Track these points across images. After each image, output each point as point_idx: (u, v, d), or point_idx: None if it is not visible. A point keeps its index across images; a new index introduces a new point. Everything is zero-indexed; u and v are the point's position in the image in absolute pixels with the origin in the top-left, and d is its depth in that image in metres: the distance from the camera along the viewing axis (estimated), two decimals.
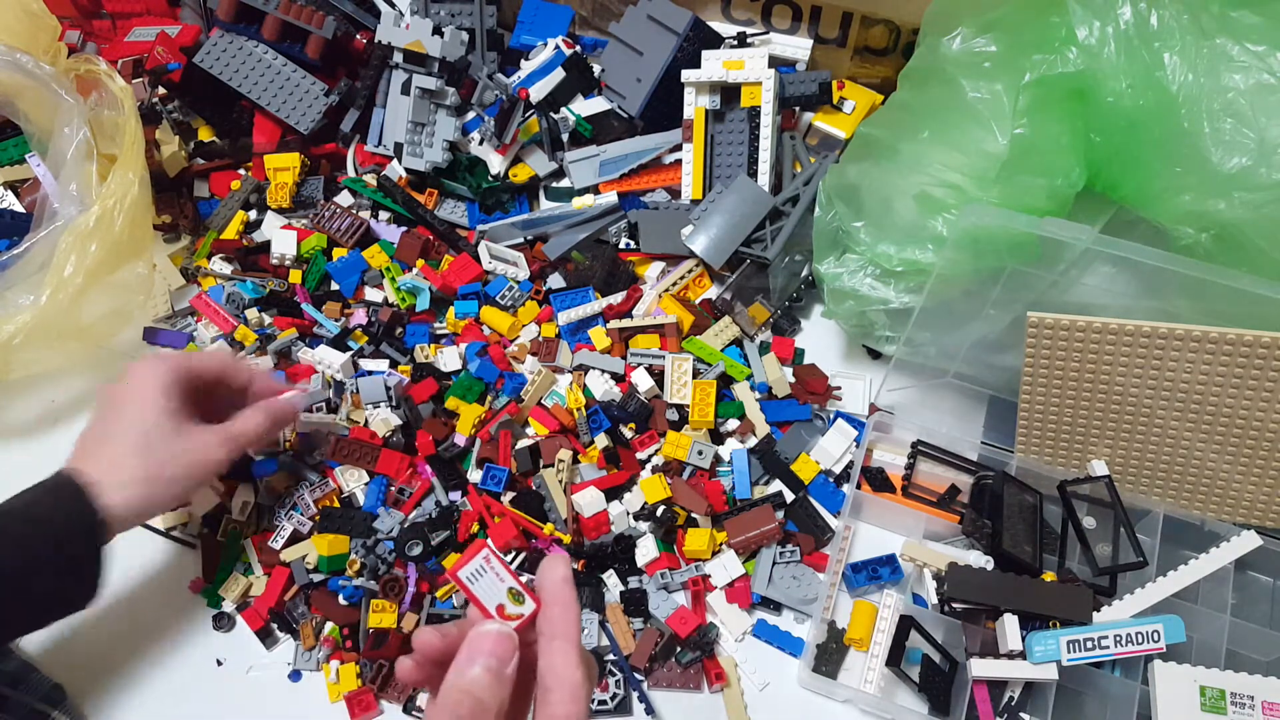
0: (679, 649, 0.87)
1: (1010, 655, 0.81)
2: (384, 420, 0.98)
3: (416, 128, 1.19)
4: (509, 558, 0.92)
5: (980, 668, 0.81)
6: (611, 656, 0.88)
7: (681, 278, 1.12)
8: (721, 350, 1.04)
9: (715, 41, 1.18)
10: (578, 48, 1.22)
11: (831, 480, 0.98)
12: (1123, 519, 0.88)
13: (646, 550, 0.92)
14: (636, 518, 0.95)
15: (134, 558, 0.96)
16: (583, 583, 0.91)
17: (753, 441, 0.99)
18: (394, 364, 1.05)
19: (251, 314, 1.09)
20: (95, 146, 1.01)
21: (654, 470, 0.97)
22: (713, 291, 1.14)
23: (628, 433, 0.99)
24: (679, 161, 1.19)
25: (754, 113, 1.13)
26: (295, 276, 1.13)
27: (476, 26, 1.25)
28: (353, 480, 0.97)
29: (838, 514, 0.95)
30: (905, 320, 0.94)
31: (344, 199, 1.19)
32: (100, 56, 1.10)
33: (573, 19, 1.28)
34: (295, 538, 0.93)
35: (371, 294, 1.13)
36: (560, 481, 0.94)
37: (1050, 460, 0.95)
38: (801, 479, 0.96)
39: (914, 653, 0.86)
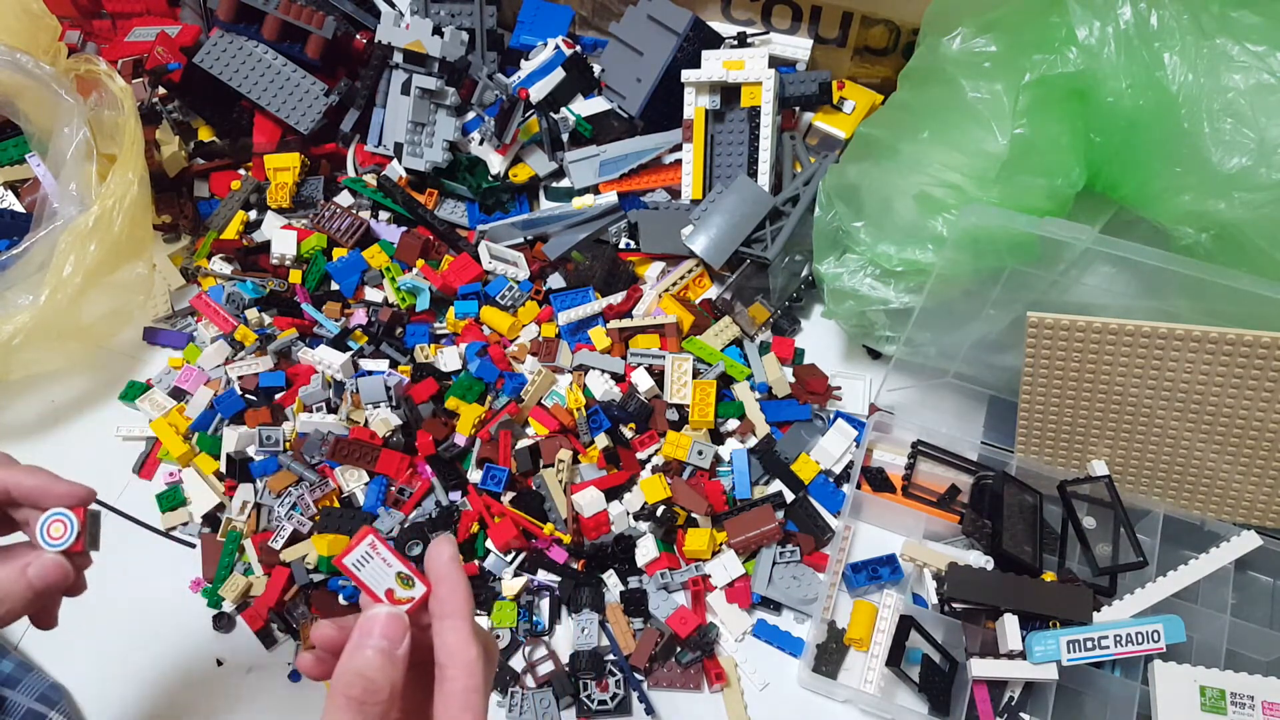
0: (679, 649, 0.87)
1: (1010, 655, 0.81)
2: (384, 420, 0.98)
3: (416, 128, 1.19)
4: (509, 557, 0.92)
5: (980, 668, 0.81)
6: (611, 656, 0.88)
7: (681, 278, 1.12)
8: (721, 350, 1.04)
9: (715, 41, 1.18)
10: (578, 48, 1.22)
11: (831, 480, 0.98)
12: (1123, 519, 0.88)
13: (646, 550, 0.92)
14: (636, 518, 0.95)
15: (134, 558, 0.96)
16: (583, 583, 0.91)
17: (753, 441, 0.99)
18: (394, 364, 1.05)
19: (251, 314, 1.09)
20: (95, 146, 1.01)
21: (654, 470, 0.97)
22: (713, 291, 1.14)
23: (628, 433, 0.99)
24: (679, 161, 1.19)
25: (754, 113, 1.13)
26: (295, 276, 1.13)
27: (476, 26, 1.26)
28: (353, 480, 0.97)
29: (838, 514, 0.95)
30: (905, 320, 0.94)
31: (344, 199, 1.19)
32: (100, 56, 1.10)
33: (573, 19, 1.28)
34: (295, 538, 0.93)
35: (371, 294, 1.13)
36: (560, 481, 0.94)
37: (1050, 460, 0.95)
38: (801, 479, 0.96)
39: (914, 653, 0.86)
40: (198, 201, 1.21)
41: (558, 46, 1.20)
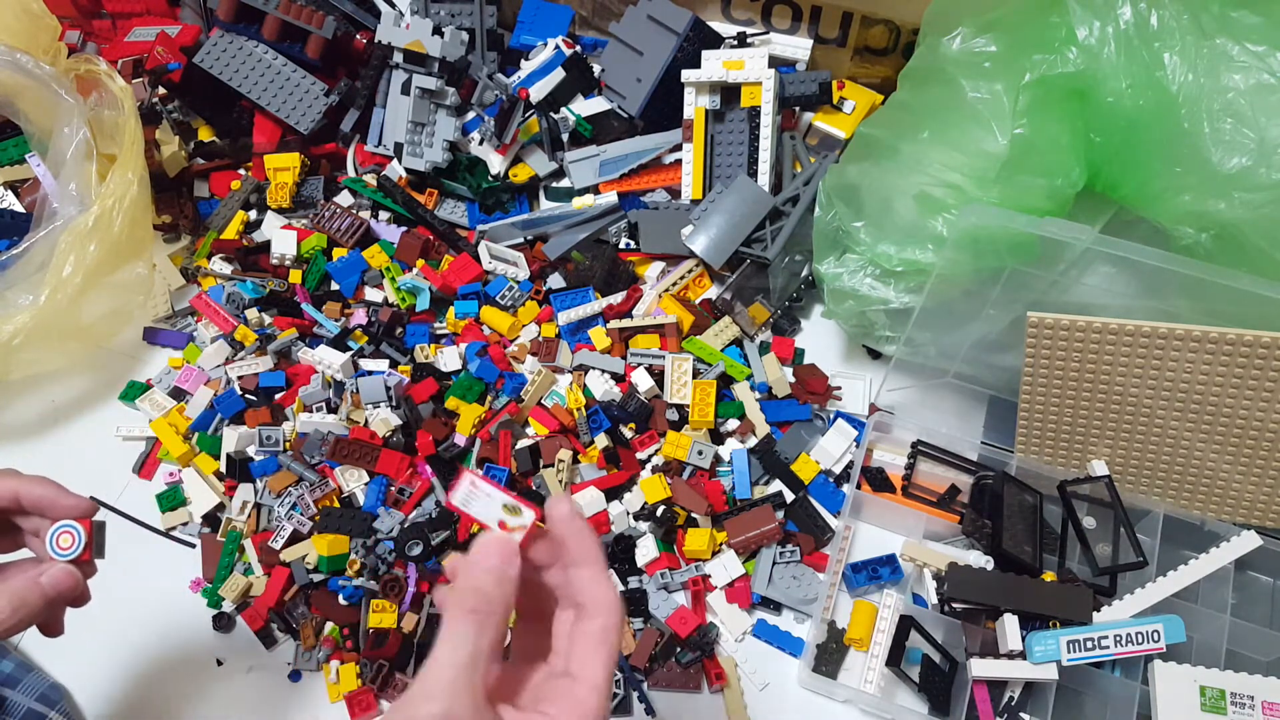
0: (679, 649, 0.87)
1: (1010, 655, 0.81)
2: (384, 420, 0.98)
3: (416, 128, 1.19)
4: None
5: (980, 668, 0.81)
6: None
7: (681, 278, 1.12)
8: (721, 350, 1.04)
9: (715, 41, 1.18)
10: (578, 48, 1.22)
11: (831, 480, 0.98)
12: (1123, 519, 0.88)
13: (646, 550, 0.92)
14: (636, 518, 0.95)
15: (134, 558, 0.96)
16: None
17: (753, 441, 0.99)
18: (394, 364, 1.05)
19: (251, 314, 1.09)
20: (95, 146, 1.01)
21: (654, 470, 0.97)
22: (713, 291, 1.14)
23: (628, 433, 0.99)
24: (679, 161, 1.19)
25: (754, 113, 1.13)
26: (295, 276, 1.13)
27: (476, 26, 1.26)
28: (353, 480, 0.97)
29: (838, 514, 0.95)
30: (905, 320, 0.94)
31: (344, 199, 1.19)
32: (100, 56, 1.10)
33: (573, 19, 1.28)
34: (295, 538, 0.93)
35: (371, 294, 1.13)
36: (560, 481, 0.94)
37: (1050, 460, 0.95)
38: (801, 479, 0.96)
39: (914, 653, 0.86)
40: (198, 201, 1.21)
41: (558, 46, 1.20)
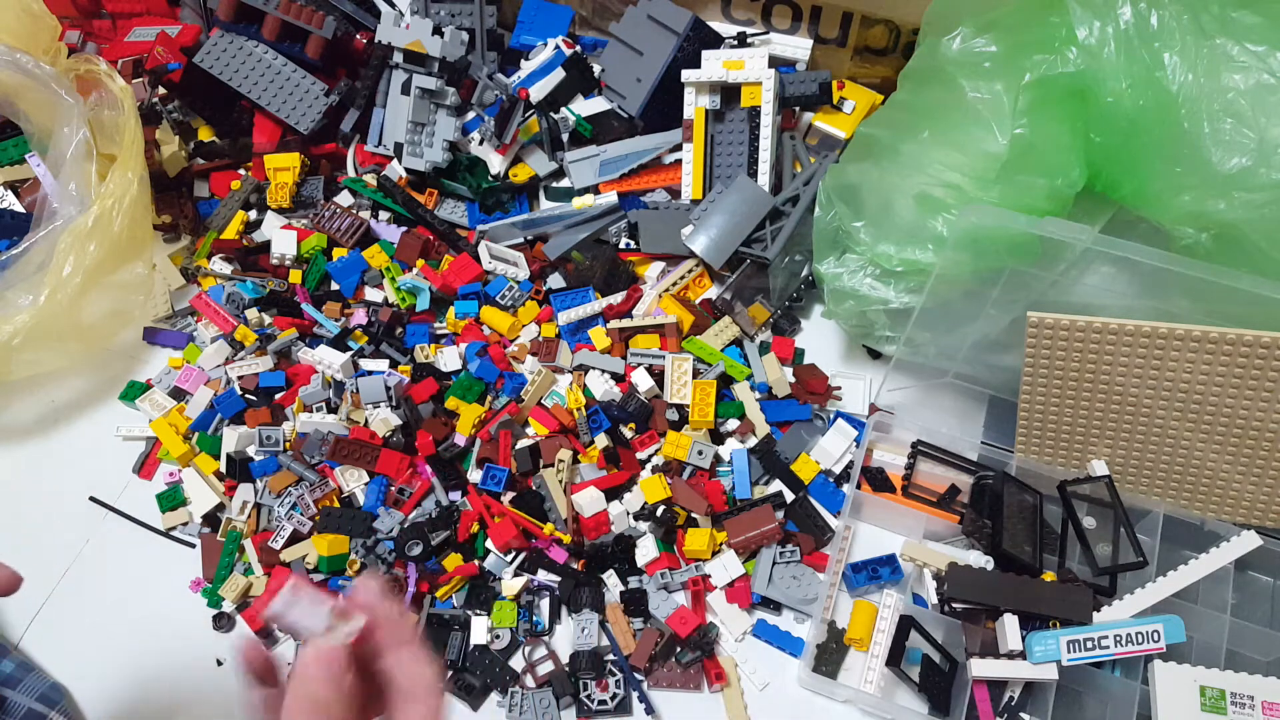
0: (679, 649, 0.87)
1: (1010, 655, 0.81)
2: (384, 420, 0.98)
3: (416, 128, 1.19)
4: (509, 557, 0.92)
5: (980, 668, 0.81)
6: (611, 656, 0.88)
7: (681, 278, 1.12)
8: (721, 350, 1.04)
9: (715, 41, 1.18)
10: (578, 48, 1.22)
11: (831, 480, 0.98)
12: (1123, 519, 0.88)
13: (646, 550, 0.92)
14: (636, 518, 0.95)
15: (134, 558, 0.96)
16: (583, 583, 0.91)
17: (753, 441, 0.99)
18: (394, 364, 1.05)
19: (251, 314, 1.09)
20: (95, 146, 1.01)
21: (654, 470, 0.97)
22: (713, 291, 1.14)
23: (628, 433, 0.99)
24: (679, 161, 1.19)
25: (754, 113, 1.13)
26: (295, 276, 1.13)
27: (476, 26, 1.26)
28: (353, 480, 0.97)
29: (838, 514, 0.95)
30: (905, 320, 0.94)
31: (344, 199, 1.19)
32: (100, 56, 1.10)
33: (573, 19, 1.28)
34: (295, 538, 0.93)
35: (371, 294, 1.13)
36: (560, 481, 0.94)
37: (1050, 460, 0.95)
38: (801, 479, 0.96)
39: (914, 653, 0.86)
40: (198, 201, 1.21)
41: (558, 46, 1.20)
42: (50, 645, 0.90)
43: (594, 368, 1.02)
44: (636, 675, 0.87)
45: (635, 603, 0.90)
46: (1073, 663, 0.79)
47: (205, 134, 1.27)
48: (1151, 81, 0.80)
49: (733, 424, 0.99)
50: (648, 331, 1.04)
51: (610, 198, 1.17)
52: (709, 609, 0.91)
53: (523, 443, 0.97)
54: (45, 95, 1.02)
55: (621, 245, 1.16)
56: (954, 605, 0.85)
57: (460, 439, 0.99)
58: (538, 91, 1.17)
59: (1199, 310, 0.81)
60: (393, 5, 1.21)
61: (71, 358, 1.03)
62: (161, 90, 1.24)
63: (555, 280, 1.11)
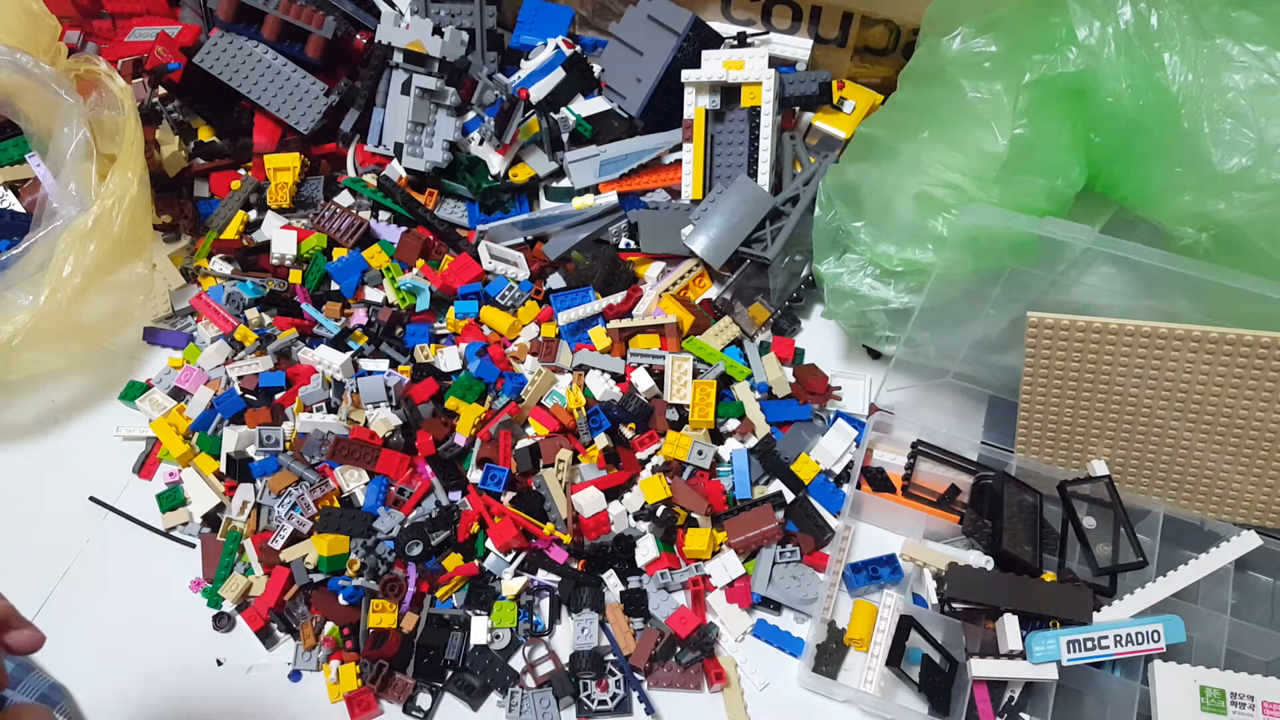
0: (679, 649, 0.87)
1: (1010, 655, 0.81)
2: (384, 420, 0.98)
3: (416, 128, 1.19)
4: (509, 557, 0.92)
5: (980, 668, 0.81)
6: (611, 656, 0.88)
7: (681, 278, 1.12)
8: (721, 350, 1.04)
9: (715, 41, 1.18)
10: (578, 48, 1.22)
11: (831, 480, 0.98)
12: (1123, 519, 0.88)
13: (646, 550, 0.92)
14: (636, 518, 0.95)
15: (134, 558, 0.96)
16: (583, 583, 0.91)
17: (753, 441, 0.99)
18: (394, 364, 1.05)
19: (251, 314, 1.09)
20: (95, 146, 1.01)
21: (654, 470, 0.97)
22: (713, 291, 1.14)
23: (628, 433, 0.99)
24: (679, 161, 1.19)
25: (754, 113, 1.13)
26: (295, 276, 1.13)
27: (476, 26, 1.26)
28: (353, 480, 0.97)
29: (838, 514, 0.95)
30: (905, 320, 0.94)
31: (344, 199, 1.19)
32: (100, 56, 1.10)
33: (573, 19, 1.28)
34: (295, 538, 0.93)
35: (371, 294, 1.13)
36: (560, 481, 0.94)
37: (1050, 460, 0.95)
38: (801, 479, 0.96)
39: (914, 653, 0.86)
40: (198, 201, 1.21)
41: (558, 46, 1.20)
42: (50, 645, 0.90)
43: (594, 368, 1.02)
44: (636, 675, 0.87)
45: (635, 603, 0.90)
46: (1073, 663, 0.79)
47: (205, 134, 1.27)
48: (1151, 81, 0.80)
49: (733, 424, 0.99)
50: (648, 331, 1.04)
51: (610, 198, 1.17)
52: (709, 609, 0.91)
53: (523, 443, 0.97)
54: (45, 95, 1.02)
55: (621, 245, 1.16)
56: (954, 605, 0.85)
57: (460, 439, 0.99)
58: (538, 91, 1.17)
59: (1199, 310, 0.81)
60: (393, 5, 1.21)
61: (71, 358, 1.03)
62: (161, 90, 1.24)
63: (555, 280, 1.11)
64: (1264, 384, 0.82)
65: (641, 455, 0.98)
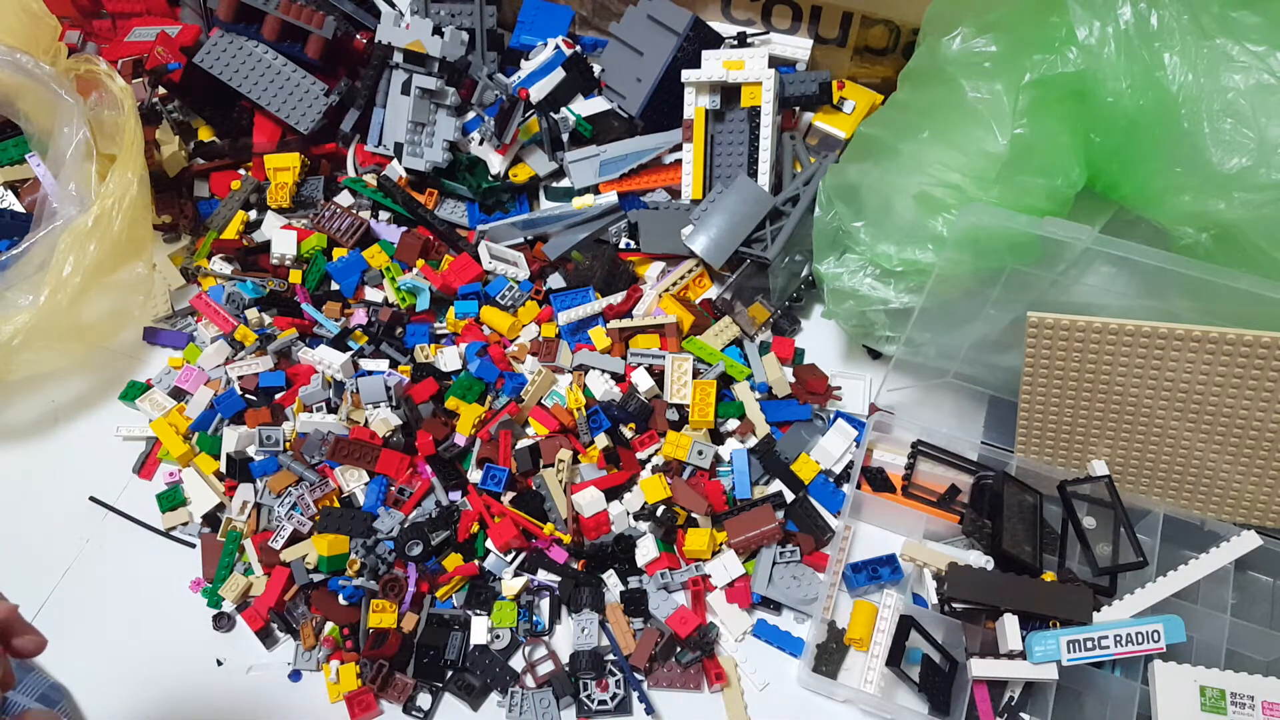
0: (679, 649, 0.87)
1: (1010, 655, 0.81)
2: (384, 420, 0.98)
3: (416, 128, 1.19)
4: (509, 557, 0.92)
5: (980, 668, 0.81)
6: (611, 656, 0.88)
7: (681, 278, 1.12)
8: (721, 350, 1.04)
9: (715, 41, 1.18)
10: (578, 48, 1.22)
11: (831, 480, 0.98)
12: (1123, 519, 0.88)
13: (646, 550, 0.91)
14: (636, 518, 0.95)
15: (134, 558, 0.96)
16: (583, 583, 0.91)
17: (753, 441, 0.99)
18: (394, 364, 1.05)
19: (251, 314, 1.09)
20: (95, 146, 1.01)
21: (654, 470, 0.97)
22: (713, 291, 1.14)
23: (628, 433, 0.99)
24: (679, 161, 1.19)
25: (754, 113, 1.13)
26: (295, 276, 1.13)
27: (476, 26, 1.26)
28: (353, 480, 0.97)
29: (838, 514, 0.95)
30: (905, 320, 0.94)
31: (344, 199, 1.19)
32: (100, 56, 1.10)
33: (573, 19, 1.28)
34: (295, 538, 0.93)
35: (371, 294, 1.13)
36: (560, 481, 0.94)
37: (1050, 460, 0.95)
38: (801, 479, 0.96)
39: (914, 653, 0.86)
40: (198, 201, 1.21)
41: (558, 46, 1.20)
42: (50, 645, 0.90)
43: (594, 368, 1.02)
44: (636, 675, 0.87)
45: (635, 603, 0.90)
46: (1073, 663, 0.79)
47: (205, 134, 1.27)
48: (1151, 81, 0.80)
49: (733, 424, 0.99)
50: (648, 331, 1.04)
51: (610, 198, 1.17)
52: (709, 609, 0.91)
53: (523, 443, 0.97)
54: (45, 95, 1.02)
55: (621, 245, 1.16)
56: (954, 605, 0.85)
57: (460, 439, 0.99)
58: (538, 91, 1.17)
59: (1199, 310, 0.81)
60: (393, 5, 1.21)
61: (71, 358, 1.03)
62: (161, 90, 1.24)
63: (555, 280, 1.11)
64: (1264, 384, 0.82)
65: (641, 455, 0.98)
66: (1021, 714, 0.84)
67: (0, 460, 1.03)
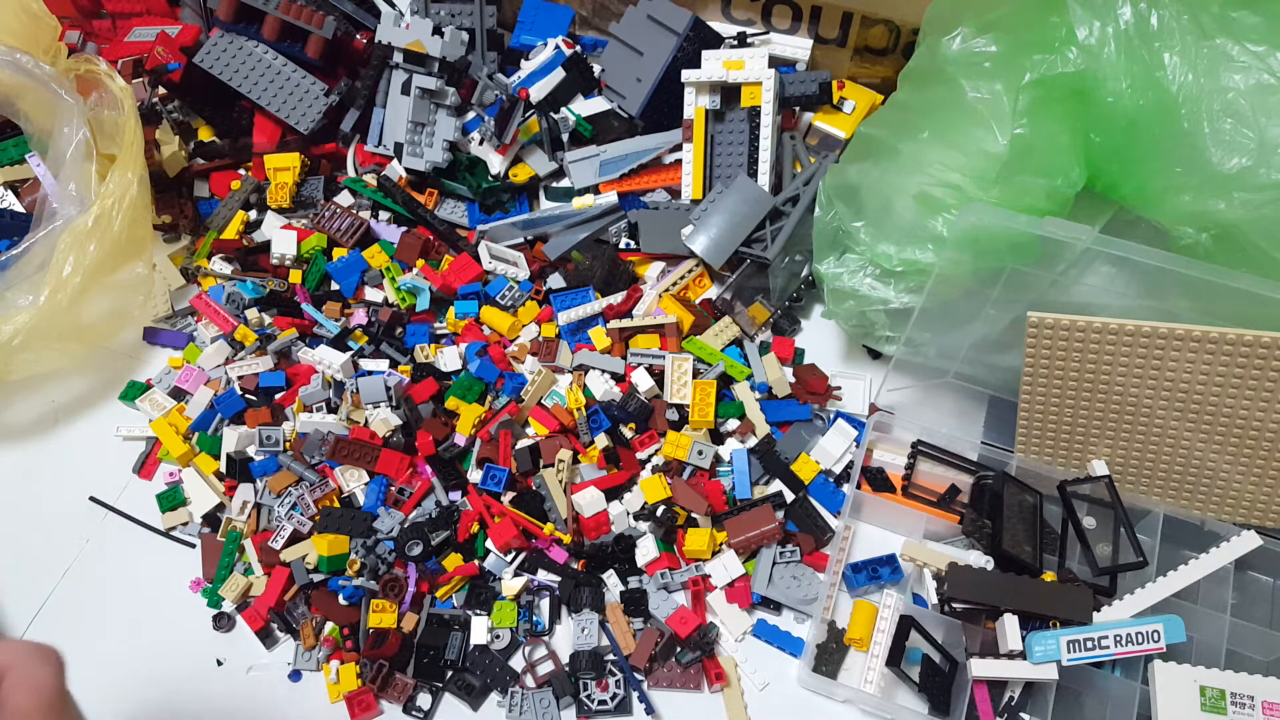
0: (679, 649, 0.87)
1: (1010, 655, 0.81)
2: (384, 420, 0.98)
3: (416, 128, 1.19)
4: (509, 557, 0.92)
5: (980, 668, 0.81)
6: (611, 656, 0.88)
7: (681, 278, 1.12)
8: (721, 350, 1.04)
9: (715, 41, 1.18)
10: (578, 48, 1.22)
11: (831, 480, 0.98)
12: (1123, 519, 0.88)
13: (646, 550, 0.91)
14: (636, 518, 0.95)
15: (134, 558, 0.96)
16: (583, 583, 0.91)
17: (753, 441, 0.99)
18: (394, 364, 1.05)
19: (251, 314, 1.09)
20: (95, 146, 1.01)
21: (654, 470, 0.97)
22: (713, 291, 1.14)
23: (628, 433, 0.99)
24: (679, 161, 1.19)
25: (754, 113, 1.13)
26: (295, 276, 1.13)
27: (476, 26, 1.26)
28: (353, 480, 0.97)
29: (838, 514, 0.95)
30: (905, 320, 0.94)
31: (344, 199, 1.19)
32: (100, 56, 1.10)
33: (573, 19, 1.28)
34: (295, 538, 0.93)
35: (371, 294, 1.13)
36: (560, 481, 0.94)
37: (1050, 460, 0.95)
38: (801, 479, 0.96)
39: (914, 653, 0.86)
40: (198, 201, 1.21)
41: (558, 46, 1.20)
42: (49, 645, 0.90)
43: (594, 368, 1.02)
44: (636, 675, 0.87)
45: (635, 603, 0.90)
46: (1073, 663, 0.79)
47: (205, 134, 1.27)
48: (1151, 81, 0.80)
49: (733, 424, 0.99)
50: (648, 331, 1.04)
51: (610, 198, 1.17)
52: (709, 609, 0.91)
53: (523, 443, 0.97)
54: (45, 95, 1.02)
55: (621, 245, 1.16)
56: (954, 605, 0.85)
57: (460, 439, 0.99)
58: (538, 91, 1.17)
59: (1199, 310, 0.81)
60: (393, 5, 1.21)
61: (71, 358, 1.03)
62: (161, 90, 1.24)
63: (555, 280, 1.11)
64: (1264, 384, 0.82)
65: (641, 455, 0.98)
66: (1021, 714, 0.84)
67: (0, 460, 1.03)
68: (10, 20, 1.07)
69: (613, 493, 0.95)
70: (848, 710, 0.86)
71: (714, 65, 1.14)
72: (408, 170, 1.20)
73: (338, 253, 1.14)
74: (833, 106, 1.21)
